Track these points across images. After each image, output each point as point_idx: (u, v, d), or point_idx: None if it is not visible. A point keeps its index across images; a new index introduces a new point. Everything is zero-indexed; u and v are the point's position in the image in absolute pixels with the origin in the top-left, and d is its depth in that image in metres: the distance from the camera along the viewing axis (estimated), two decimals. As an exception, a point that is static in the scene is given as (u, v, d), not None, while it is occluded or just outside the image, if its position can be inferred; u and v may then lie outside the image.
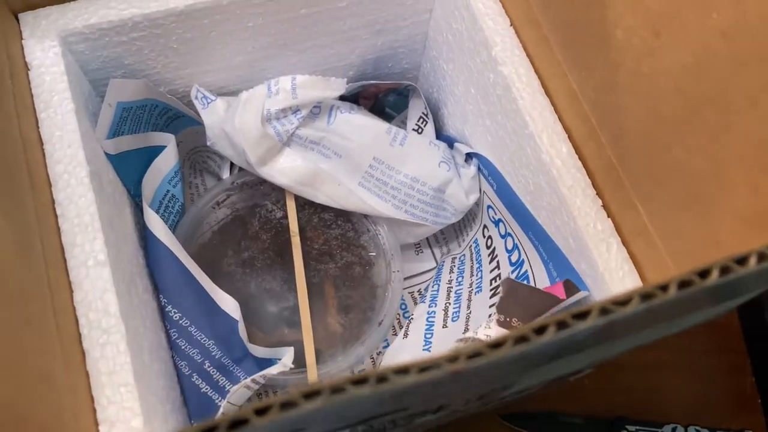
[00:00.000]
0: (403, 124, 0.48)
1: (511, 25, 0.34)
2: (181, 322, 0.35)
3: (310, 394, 0.12)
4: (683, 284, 0.13)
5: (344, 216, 0.42)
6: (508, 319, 0.26)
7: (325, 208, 0.42)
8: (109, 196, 0.31)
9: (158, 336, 0.33)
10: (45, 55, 0.30)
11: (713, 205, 0.22)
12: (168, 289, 0.35)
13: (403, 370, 0.12)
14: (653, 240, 0.27)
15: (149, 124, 0.38)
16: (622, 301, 0.13)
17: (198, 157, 0.46)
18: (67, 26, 0.31)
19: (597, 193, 0.30)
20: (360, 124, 0.40)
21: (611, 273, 0.28)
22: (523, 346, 0.13)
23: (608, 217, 0.29)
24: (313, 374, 0.36)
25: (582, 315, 0.13)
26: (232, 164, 0.44)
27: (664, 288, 0.13)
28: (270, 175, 0.39)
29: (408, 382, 0.12)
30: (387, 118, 0.49)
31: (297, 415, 0.12)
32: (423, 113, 0.44)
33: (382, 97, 0.47)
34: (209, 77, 0.39)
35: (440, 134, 0.45)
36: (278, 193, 0.42)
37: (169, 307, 0.34)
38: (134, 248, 0.33)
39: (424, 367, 0.13)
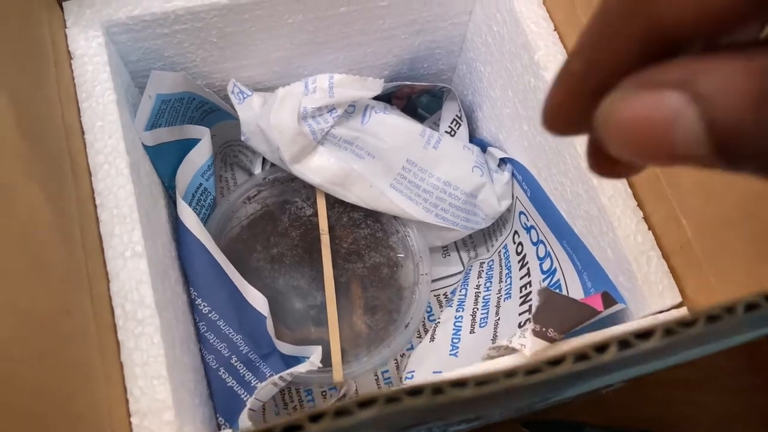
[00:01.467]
0: (435, 126, 0.48)
1: (555, 29, 0.33)
2: (210, 315, 0.35)
3: (365, 403, 0.12)
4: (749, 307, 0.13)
5: (374, 216, 0.42)
6: (544, 329, 0.26)
7: (354, 208, 0.42)
8: (146, 188, 0.31)
9: (188, 329, 0.33)
10: (88, 45, 0.30)
11: (766, 224, 0.22)
12: (198, 283, 0.35)
13: (460, 383, 0.12)
14: (696, 255, 0.27)
15: (185, 117, 0.38)
16: (688, 322, 0.13)
17: (230, 150, 0.46)
18: (111, 17, 0.31)
19: (638, 204, 0.29)
20: (394, 124, 0.39)
21: (650, 287, 0.28)
22: (582, 364, 0.13)
23: (649, 229, 0.29)
24: (338, 374, 0.36)
25: (645, 335, 0.13)
26: (263, 160, 0.44)
27: (730, 310, 0.13)
28: (302, 173, 0.39)
29: (465, 395, 0.12)
30: (419, 118, 0.48)
31: (350, 423, 0.12)
32: (457, 116, 0.44)
33: (416, 98, 0.47)
34: (246, 72, 0.39)
35: (473, 137, 0.45)
36: (309, 190, 0.42)
37: (199, 300, 0.35)
38: (167, 240, 0.33)
39: (481, 381, 0.12)
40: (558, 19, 0.33)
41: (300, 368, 0.33)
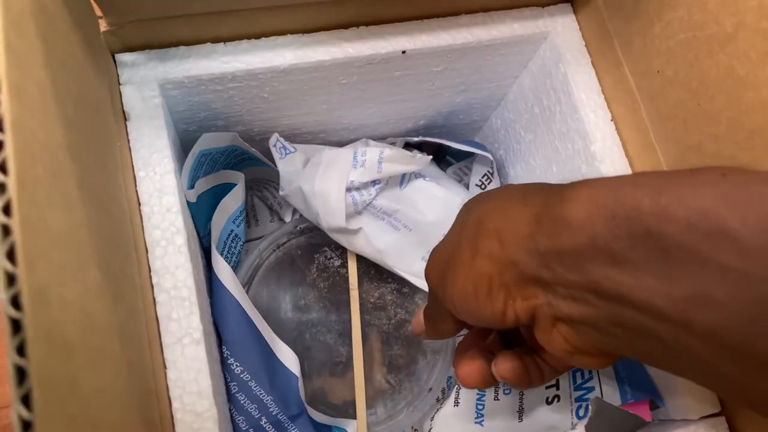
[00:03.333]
0: (460, 171, 0.48)
1: (612, 119, 0.33)
2: (242, 376, 0.34)
3: None
4: None
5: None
6: (596, 440, 0.27)
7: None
8: (194, 257, 0.30)
9: (223, 391, 0.32)
10: (145, 106, 0.29)
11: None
12: (232, 342, 0.34)
13: None
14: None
15: (222, 165, 0.37)
16: None
17: (254, 185, 0.45)
18: (167, 75, 0.30)
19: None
20: (432, 194, 0.39)
21: (692, 393, 0.29)
22: None
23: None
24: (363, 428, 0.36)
25: None
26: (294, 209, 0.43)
27: None
28: (338, 238, 0.38)
29: None
30: (446, 164, 0.48)
31: None
32: (489, 171, 0.44)
33: (446, 146, 0.47)
34: (288, 121, 0.38)
35: (502, 193, 0.45)
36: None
37: (232, 359, 0.34)
38: (207, 303, 0.33)
39: None
40: (615, 109, 0.33)
41: None
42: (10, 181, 0.13)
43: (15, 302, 0.13)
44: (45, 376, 0.13)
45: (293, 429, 0.36)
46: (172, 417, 0.25)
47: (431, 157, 0.38)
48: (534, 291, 0.22)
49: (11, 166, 0.13)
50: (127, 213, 0.25)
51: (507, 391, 0.39)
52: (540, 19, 0.35)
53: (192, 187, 0.33)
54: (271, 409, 0.35)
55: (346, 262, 0.41)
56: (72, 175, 0.17)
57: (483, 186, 0.44)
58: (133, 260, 0.25)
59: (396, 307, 0.41)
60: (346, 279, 0.41)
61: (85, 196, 0.19)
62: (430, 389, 0.38)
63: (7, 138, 0.13)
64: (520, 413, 0.37)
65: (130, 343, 0.21)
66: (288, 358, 0.36)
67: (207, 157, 0.35)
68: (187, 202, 0.33)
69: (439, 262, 0.26)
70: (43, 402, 0.12)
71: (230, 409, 0.34)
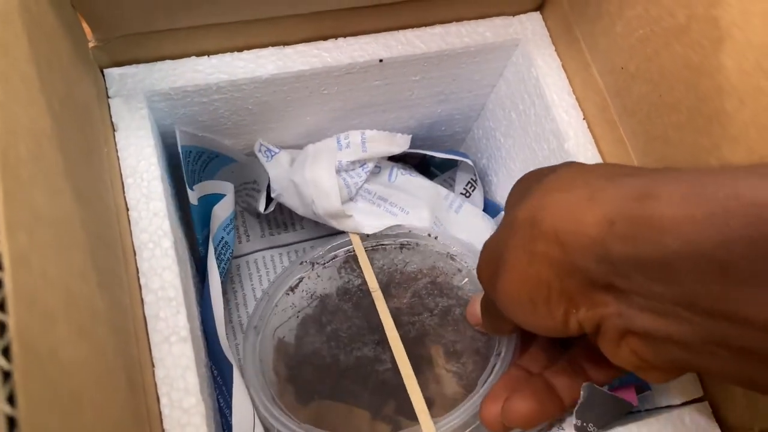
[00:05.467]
0: (445, 183, 0.49)
1: (584, 118, 0.34)
2: (218, 378, 0.35)
3: None
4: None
5: (429, 266, 0.39)
6: (585, 425, 0.27)
7: (406, 263, 0.40)
8: (182, 260, 0.31)
9: (213, 388, 0.33)
10: (132, 117, 0.30)
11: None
12: (209, 350, 0.34)
13: None
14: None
15: (189, 173, 0.38)
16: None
17: (237, 197, 0.46)
18: (153, 87, 0.31)
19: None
20: (420, 184, 0.41)
21: (677, 380, 0.29)
22: None
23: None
24: (428, 428, 0.34)
25: None
26: (268, 198, 0.41)
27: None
28: (335, 224, 0.39)
29: None
30: (431, 175, 0.50)
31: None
32: (472, 179, 0.45)
33: (429, 157, 0.48)
34: (273, 133, 0.39)
35: (486, 199, 0.46)
36: (352, 261, 0.39)
37: (211, 362, 0.34)
38: (194, 304, 0.33)
39: None
40: (586, 108, 0.34)
41: None
42: (-6, 156, 0.14)
43: (-3, 266, 0.14)
44: (24, 334, 0.14)
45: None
46: (160, 413, 0.26)
47: (410, 136, 0.40)
48: (603, 299, 0.19)
49: (-6, 141, 0.14)
50: (114, 214, 0.26)
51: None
52: (510, 26, 0.36)
53: (192, 188, 0.34)
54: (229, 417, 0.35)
55: (363, 272, 0.39)
56: (57, 164, 0.18)
57: (467, 194, 0.45)
58: (120, 259, 0.26)
59: (434, 297, 0.38)
60: (368, 292, 0.38)
61: (70, 186, 0.20)
62: (499, 354, 0.33)
63: (-9, 116, 0.14)
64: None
65: (116, 332, 0.22)
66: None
67: (190, 155, 0.35)
68: (191, 205, 0.34)
69: (490, 259, 0.23)
70: (23, 356, 0.13)
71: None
